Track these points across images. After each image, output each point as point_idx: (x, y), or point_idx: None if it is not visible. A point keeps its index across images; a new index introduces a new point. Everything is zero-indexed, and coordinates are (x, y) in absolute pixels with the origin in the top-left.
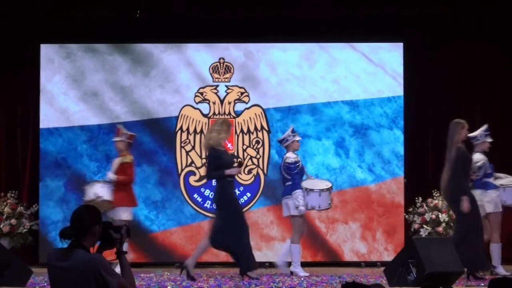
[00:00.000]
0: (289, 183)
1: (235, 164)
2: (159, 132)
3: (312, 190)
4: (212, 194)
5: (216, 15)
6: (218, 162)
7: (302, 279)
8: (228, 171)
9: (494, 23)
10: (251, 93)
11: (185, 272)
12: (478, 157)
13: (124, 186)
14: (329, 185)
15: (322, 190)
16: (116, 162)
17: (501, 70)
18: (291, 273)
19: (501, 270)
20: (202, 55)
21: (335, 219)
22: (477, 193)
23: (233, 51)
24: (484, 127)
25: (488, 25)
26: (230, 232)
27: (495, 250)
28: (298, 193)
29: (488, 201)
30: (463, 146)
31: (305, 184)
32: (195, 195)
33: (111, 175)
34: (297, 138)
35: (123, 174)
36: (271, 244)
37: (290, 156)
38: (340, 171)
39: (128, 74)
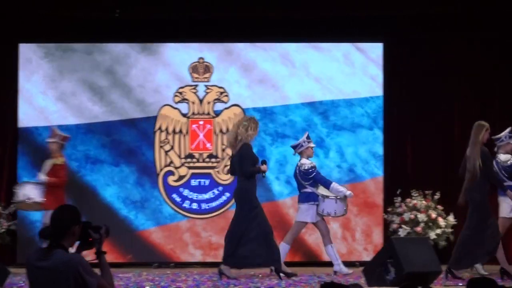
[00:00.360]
0: (306, 189)
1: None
2: (138, 132)
3: (327, 196)
4: (190, 194)
5: (196, 15)
6: (254, 159)
7: (281, 279)
8: (262, 167)
9: (473, 23)
10: (230, 93)
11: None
12: (507, 157)
13: (55, 188)
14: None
15: (338, 197)
16: (48, 163)
17: (480, 70)
18: (335, 273)
19: (481, 270)
20: (181, 55)
21: None
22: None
23: (212, 51)
24: (509, 129)
25: (467, 25)
26: (246, 225)
27: None
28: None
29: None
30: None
31: (321, 190)
32: (174, 195)
33: (42, 177)
34: (312, 144)
35: (55, 176)
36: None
37: (305, 163)
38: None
39: (106, 73)
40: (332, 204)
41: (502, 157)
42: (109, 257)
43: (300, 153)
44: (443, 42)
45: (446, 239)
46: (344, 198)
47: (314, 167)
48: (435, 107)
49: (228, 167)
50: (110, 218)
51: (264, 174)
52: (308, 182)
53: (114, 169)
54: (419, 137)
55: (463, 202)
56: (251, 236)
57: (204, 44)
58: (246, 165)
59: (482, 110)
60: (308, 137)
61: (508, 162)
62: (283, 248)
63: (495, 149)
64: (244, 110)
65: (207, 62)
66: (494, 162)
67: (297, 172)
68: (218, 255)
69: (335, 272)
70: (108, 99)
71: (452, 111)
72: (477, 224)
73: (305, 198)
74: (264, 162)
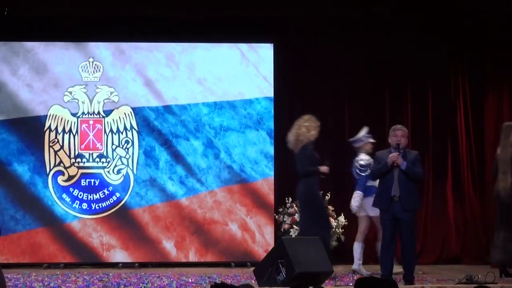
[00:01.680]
0: (371, 183)
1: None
2: (27, 131)
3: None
4: (80, 194)
5: (85, 13)
6: (312, 159)
7: (171, 279)
8: (322, 168)
9: (361, 25)
10: (120, 92)
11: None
12: None
13: None
14: None
15: None
16: None
17: (366, 71)
18: (354, 271)
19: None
20: (71, 53)
21: (204, 219)
22: None
23: (103, 50)
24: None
25: (355, 27)
26: (316, 227)
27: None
28: (357, 194)
29: None
30: None
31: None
32: (64, 195)
33: None
34: (371, 140)
35: None
36: (144, 244)
37: (364, 158)
38: (207, 171)
39: None
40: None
41: None
42: None
43: (359, 148)
44: (334, 43)
45: (337, 239)
46: None
47: (370, 164)
48: (326, 108)
49: (118, 167)
50: None
51: (322, 174)
52: (359, 176)
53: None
54: None
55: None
56: None
57: (95, 43)
58: (304, 165)
59: (372, 110)
60: (367, 133)
61: None
62: (359, 247)
63: None
64: (133, 110)
65: (97, 62)
66: None
67: (354, 166)
68: (109, 256)
69: (353, 271)
70: None
71: (342, 112)
72: None
73: (370, 191)
74: (323, 163)
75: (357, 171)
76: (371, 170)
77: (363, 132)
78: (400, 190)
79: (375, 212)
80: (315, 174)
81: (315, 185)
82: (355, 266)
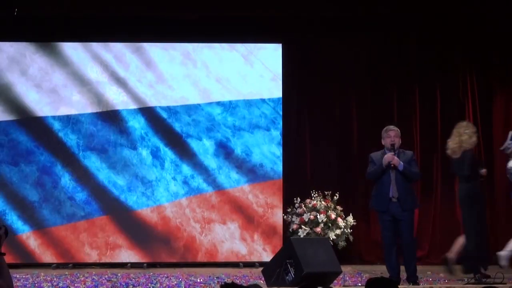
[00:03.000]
0: None
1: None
2: (36, 132)
3: None
4: (88, 194)
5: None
6: (476, 163)
7: (180, 279)
8: (484, 171)
9: (368, 25)
10: (128, 92)
11: (448, 267)
12: None
13: None
14: None
15: None
16: None
17: (378, 73)
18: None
19: None
20: (79, 54)
21: (212, 219)
22: None
23: (111, 50)
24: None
25: (364, 27)
26: (471, 229)
27: None
28: None
29: None
30: None
31: None
32: (72, 195)
33: None
34: None
35: None
36: (152, 244)
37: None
38: (217, 171)
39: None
40: None
41: None
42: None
43: (510, 154)
44: (343, 44)
45: (346, 240)
46: None
47: None
48: (334, 109)
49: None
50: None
51: (483, 177)
52: None
53: (12, 168)
54: (317, 138)
55: None
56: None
57: (103, 44)
58: (470, 169)
59: (380, 112)
60: None
61: None
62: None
63: None
64: (141, 109)
65: (105, 62)
66: None
67: (509, 173)
68: (118, 256)
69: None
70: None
71: (350, 114)
72: None
73: None
74: (483, 166)
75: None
76: (366, 172)
77: (508, 138)
78: (398, 191)
79: None
80: (478, 177)
81: (478, 187)
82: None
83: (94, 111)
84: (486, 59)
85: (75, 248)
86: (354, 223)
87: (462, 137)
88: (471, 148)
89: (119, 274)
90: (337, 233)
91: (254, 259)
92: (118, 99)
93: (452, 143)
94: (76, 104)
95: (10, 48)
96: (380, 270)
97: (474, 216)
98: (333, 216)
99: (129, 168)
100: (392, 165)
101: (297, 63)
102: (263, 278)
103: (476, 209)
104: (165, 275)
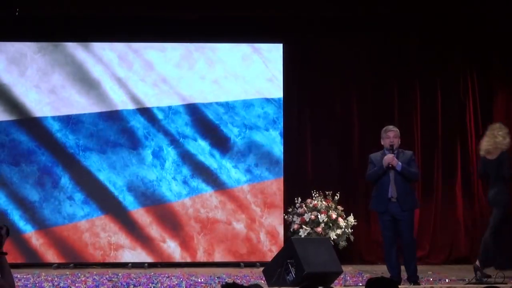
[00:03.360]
0: None
1: None
2: (36, 132)
3: None
4: (88, 194)
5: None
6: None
7: (181, 279)
8: None
9: (368, 25)
10: (129, 92)
11: (479, 274)
12: None
13: None
14: None
15: None
16: None
17: (378, 72)
18: None
19: None
20: (79, 54)
21: (212, 219)
22: None
23: (111, 51)
24: None
25: (364, 27)
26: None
27: None
28: None
29: None
30: None
31: None
32: (72, 195)
33: None
34: None
35: None
36: (148, 244)
37: None
38: (217, 171)
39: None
40: None
41: None
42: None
43: None
44: (343, 44)
45: (347, 239)
46: None
47: None
48: (334, 107)
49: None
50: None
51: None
52: None
53: (13, 168)
54: (318, 138)
55: None
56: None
57: (103, 44)
58: (505, 170)
59: (380, 112)
60: None
61: None
62: None
63: None
64: (141, 110)
65: (105, 62)
66: None
67: None
68: (119, 256)
69: None
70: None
71: (350, 110)
72: None
73: None
74: None
75: None
76: (366, 174)
77: None
78: (397, 191)
79: None
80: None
81: (509, 188)
82: None
83: (95, 111)
84: (486, 59)
85: (78, 248)
86: (355, 223)
87: (497, 138)
88: (506, 149)
89: (120, 274)
90: (338, 233)
91: (255, 259)
92: (118, 99)
93: (486, 144)
94: (77, 104)
95: (10, 48)
96: (381, 270)
97: (505, 217)
98: (334, 216)
99: (129, 168)
100: (391, 166)
101: (298, 63)
102: (264, 278)
103: (508, 210)
104: (166, 275)
